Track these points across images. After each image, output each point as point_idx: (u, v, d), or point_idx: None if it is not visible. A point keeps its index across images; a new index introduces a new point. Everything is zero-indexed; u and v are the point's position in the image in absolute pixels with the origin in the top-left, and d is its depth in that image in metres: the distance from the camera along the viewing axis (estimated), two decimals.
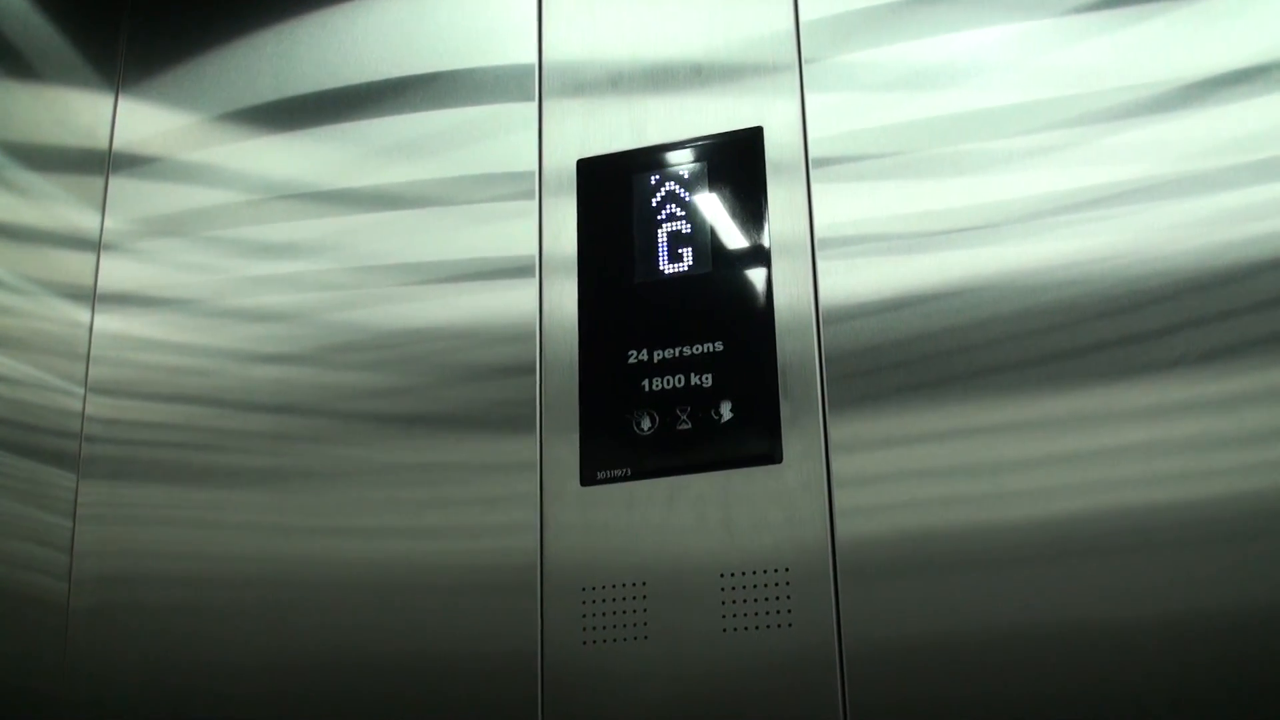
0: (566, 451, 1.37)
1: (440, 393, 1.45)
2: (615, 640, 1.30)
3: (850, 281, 1.33)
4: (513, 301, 1.45)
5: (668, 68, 1.48)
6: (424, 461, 1.42)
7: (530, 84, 1.53)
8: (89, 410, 1.58)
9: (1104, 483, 1.20)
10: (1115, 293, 1.25)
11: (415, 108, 1.56)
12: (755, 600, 1.26)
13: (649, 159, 1.46)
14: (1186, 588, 1.15)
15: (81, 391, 1.58)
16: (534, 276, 1.45)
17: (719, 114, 1.45)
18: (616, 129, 1.48)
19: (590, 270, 1.44)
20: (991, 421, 1.25)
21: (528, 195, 1.49)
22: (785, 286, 1.36)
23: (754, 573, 1.27)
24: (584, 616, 1.31)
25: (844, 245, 1.35)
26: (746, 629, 1.26)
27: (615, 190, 1.46)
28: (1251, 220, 1.23)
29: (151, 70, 1.70)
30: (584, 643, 1.31)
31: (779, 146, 1.41)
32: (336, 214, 1.56)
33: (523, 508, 1.37)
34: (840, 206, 1.36)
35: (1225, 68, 1.28)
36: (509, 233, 1.48)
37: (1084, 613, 1.17)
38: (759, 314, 1.36)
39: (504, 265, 1.47)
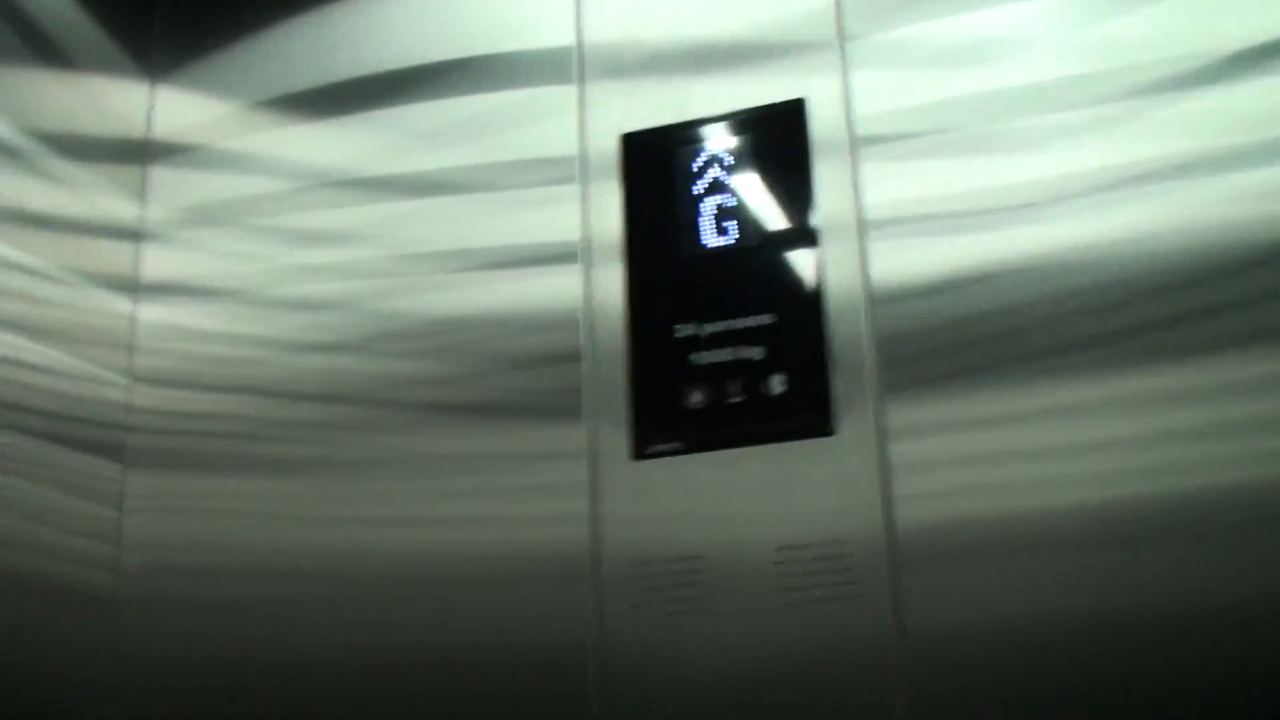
0: (615, 434, 1.37)
1: (488, 381, 1.44)
2: (672, 615, 1.29)
3: (900, 262, 1.32)
4: (557, 286, 1.44)
5: (708, 47, 1.47)
6: (473, 450, 1.42)
7: (570, 66, 1.52)
8: (134, 401, 1.57)
9: (1167, 466, 1.19)
10: (1172, 268, 1.23)
11: (454, 93, 1.55)
12: (813, 574, 1.26)
13: (692, 133, 1.45)
14: (1249, 571, 1.14)
15: (126, 382, 1.58)
16: (578, 260, 1.44)
17: (761, 92, 1.43)
18: (658, 109, 1.47)
19: (636, 246, 1.43)
20: (1046, 405, 1.23)
21: (570, 179, 1.48)
22: (833, 261, 1.35)
23: (811, 546, 1.27)
24: (640, 593, 1.31)
25: (892, 225, 1.34)
26: (804, 602, 1.25)
27: (659, 165, 1.45)
28: None
29: (187, 58, 1.69)
30: (641, 620, 1.30)
31: (823, 123, 1.40)
32: (378, 201, 1.55)
33: (574, 491, 1.36)
34: (887, 185, 1.35)
35: (1271, 36, 1.27)
36: (552, 217, 1.47)
37: (1143, 598, 1.16)
38: (808, 287, 1.35)
39: (548, 250, 1.46)
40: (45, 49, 1.53)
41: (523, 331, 1.44)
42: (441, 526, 1.40)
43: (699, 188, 1.43)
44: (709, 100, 1.45)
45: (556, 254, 1.45)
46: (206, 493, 1.51)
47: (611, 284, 1.42)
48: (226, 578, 1.47)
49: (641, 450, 1.35)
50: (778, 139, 1.41)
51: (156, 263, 1.63)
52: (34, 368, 1.43)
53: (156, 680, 1.46)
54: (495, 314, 1.46)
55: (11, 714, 1.34)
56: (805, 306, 1.34)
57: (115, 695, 1.46)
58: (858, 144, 1.38)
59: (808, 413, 1.31)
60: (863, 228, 1.35)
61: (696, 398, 1.35)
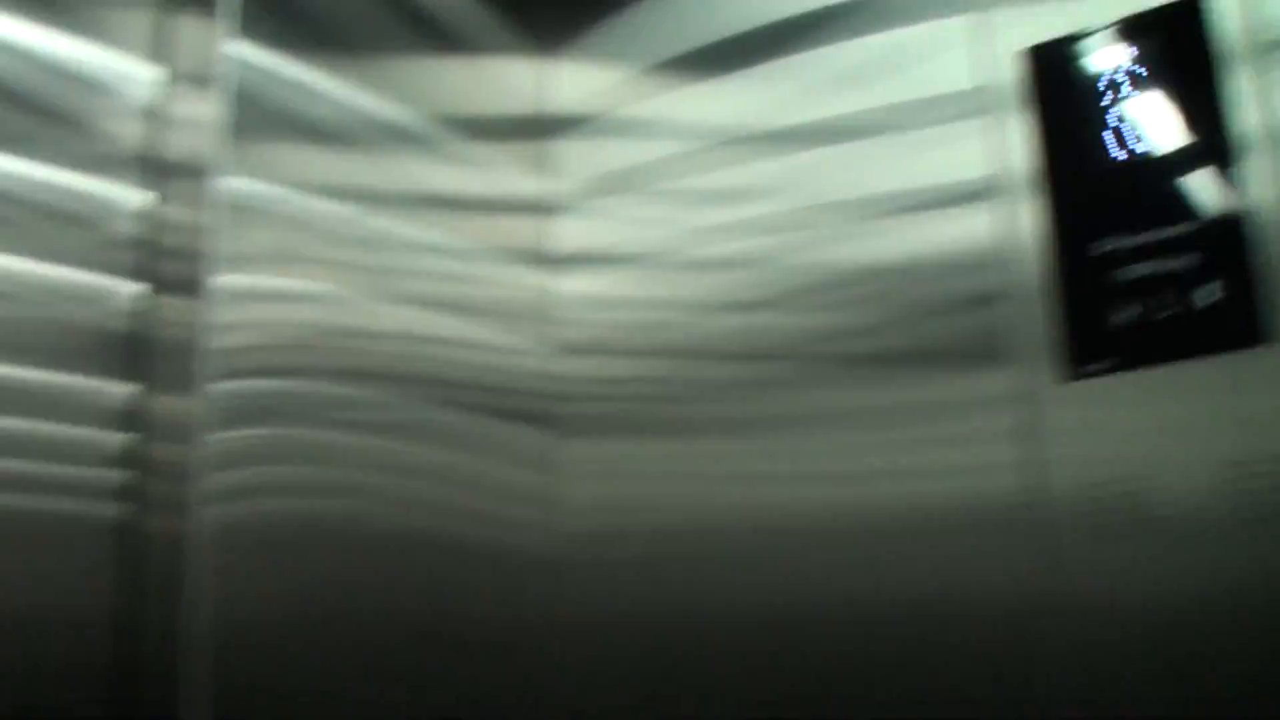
0: (1041, 370, 1.32)
1: (906, 329, 1.42)
2: (1120, 539, 1.25)
3: None
4: (968, 225, 1.40)
5: None
6: (898, 400, 1.40)
7: None
8: (560, 370, 1.62)
9: None
10: None
11: (845, 36, 1.52)
12: (1264, 490, 1.19)
13: (1093, 42, 1.37)
14: None
15: (549, 352, 1.63)
16: (989, 196, 1.40)
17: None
18: (1055, 28, 1.39)
19: (1048, 163, 1.37)
20: None
21: (971, 113, 1.42)
22: (1257, 164, 1.26)
23: (1260, 461, 1.20)
24: (1089, 522, 1.27)
25: None
26: (1261, 520, 1.19)
27: (1061, 79, 1.38)
28: None
29: (574, 29, 1.72)
30: (1091, 549, 1.26)
31: (1229, 27, 1.30)
32: (779, 154, 1.54)
33: (1008, 431, 1.33)
34: None
35: None
36: (957, 154, 1.42)
37: None
38: (1230, 194, 1.27)
39: (957, 189, 1.42)
40: (437, 34, 1.57)
41: (937, 276, 1.41)
42: (876, 479, 1.40)
43: (1104, 99, 1.36)
44: (1104, 13, 1.37)
45: (965, 192, 1.41)
46: (639, 456, 1.56)
47: (1022, 215, 1.37)
48: (663, 539, 1.51)
49: (1074, 372, 1.31)
50: (1181, 42, 1.32)
51: (568, 234, 1.67)
52: (458, 344, 1.50)
53: (600, 642, 1.52)
54: (908, 260, 1.43)
55: (461, 679, 1.42)
56: (1229, 214, 1.26)
57: (559, 659, 1.53)
58: (1269, 47, 1.27)
59: (1244, 321, 1.23)
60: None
61: (1125, 314, 1.29)
